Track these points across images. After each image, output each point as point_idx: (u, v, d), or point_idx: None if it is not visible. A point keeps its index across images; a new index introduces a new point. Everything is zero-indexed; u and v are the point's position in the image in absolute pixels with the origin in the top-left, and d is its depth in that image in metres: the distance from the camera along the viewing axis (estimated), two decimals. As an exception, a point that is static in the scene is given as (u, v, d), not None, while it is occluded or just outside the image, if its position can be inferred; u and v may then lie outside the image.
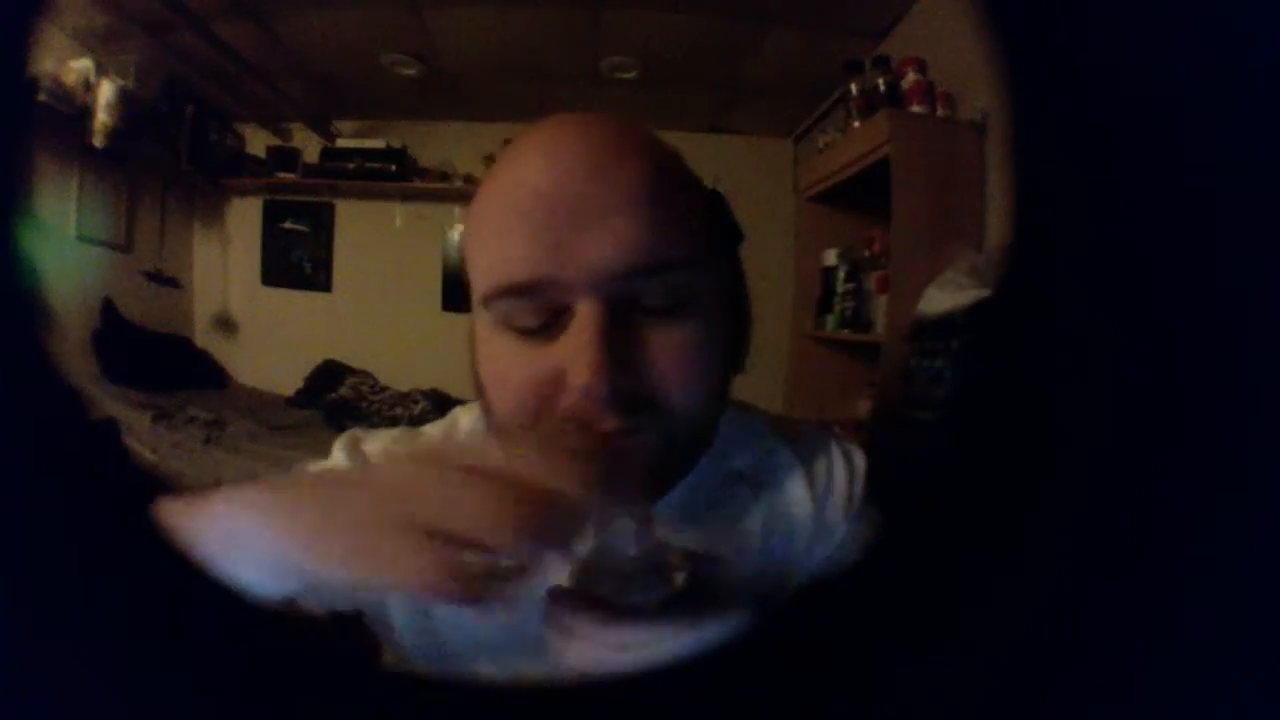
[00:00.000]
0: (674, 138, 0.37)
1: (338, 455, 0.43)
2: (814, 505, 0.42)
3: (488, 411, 0.38)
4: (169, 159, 2.49)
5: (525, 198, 0.33)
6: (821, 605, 0.28)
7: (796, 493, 0.42)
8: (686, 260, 0.34)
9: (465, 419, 0.46)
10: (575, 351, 0.32)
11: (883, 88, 1.60)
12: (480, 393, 0.38)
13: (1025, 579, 0.23)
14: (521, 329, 0.34)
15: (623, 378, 0.32)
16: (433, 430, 0.47)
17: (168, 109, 2.40)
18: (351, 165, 2.66)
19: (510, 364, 0.34)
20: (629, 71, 2.21)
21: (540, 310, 0.33)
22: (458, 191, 2.62)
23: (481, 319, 0.36)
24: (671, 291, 0.34)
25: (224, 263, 2.79)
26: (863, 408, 1.80)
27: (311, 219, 2.80)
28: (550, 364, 0.33)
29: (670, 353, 0.33)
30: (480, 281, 0.35)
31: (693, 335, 0.34)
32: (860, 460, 0.45)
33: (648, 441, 0.33)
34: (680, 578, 0.30)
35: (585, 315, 0.32)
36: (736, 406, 0.43)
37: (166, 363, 2.41)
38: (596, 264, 0.32)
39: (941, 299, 1.24)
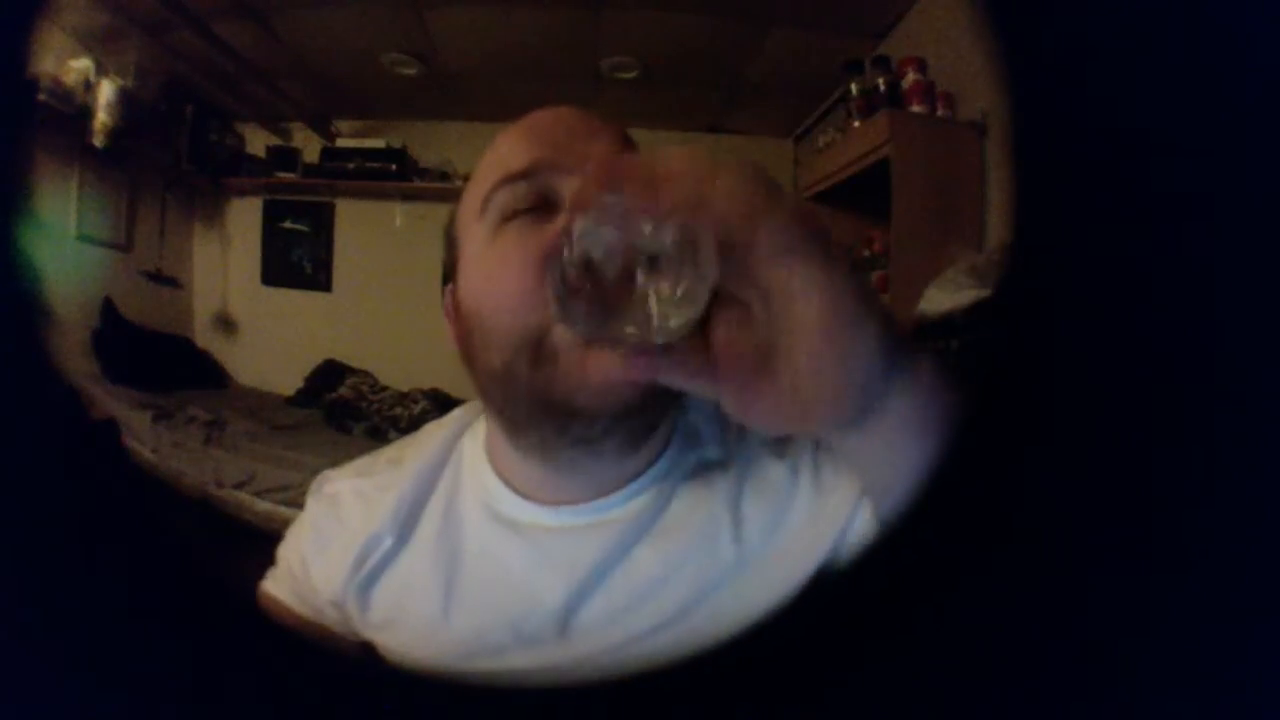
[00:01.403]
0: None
1: (310, 505, 0.46)
2: (807, 480, 0.41)
3: (476, 355, 0.38)
4: (169, 159, 2.50)
5: (524, 128, 0.39)
6: (818, 604, 0.28)
7: (774, 474, 0.41)
8: None
9: (468, 444, 0.45)
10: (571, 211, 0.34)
11: (883, 88, 1.61)
12: (466, 339, 0.39)
13: (1023, 579, 0.23)
14: (517, 209, 0.36)
15: None
16: (391, 450, 0.48)
17: (168, 109, 2.41)
18: (351, 165, 2.66)
19: (506, 252, 0.36)
20: (629, 71, 2.21)
21: (535, 195, 0.36)
22: (457, 191, 2.60)
23: (476, 239, 0.38)
24: None
25: (224, 263, 2.80)
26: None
27: (311, 219, 2.81)
28: (548, 235, 0.34)
29: None
30: (480, 193, 0.38)
31: None
32: None
33: None
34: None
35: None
36: None
37: (166, 363, 2.41)
38: (592, 151, 0.36)
39: (941, 299, 1.24)
